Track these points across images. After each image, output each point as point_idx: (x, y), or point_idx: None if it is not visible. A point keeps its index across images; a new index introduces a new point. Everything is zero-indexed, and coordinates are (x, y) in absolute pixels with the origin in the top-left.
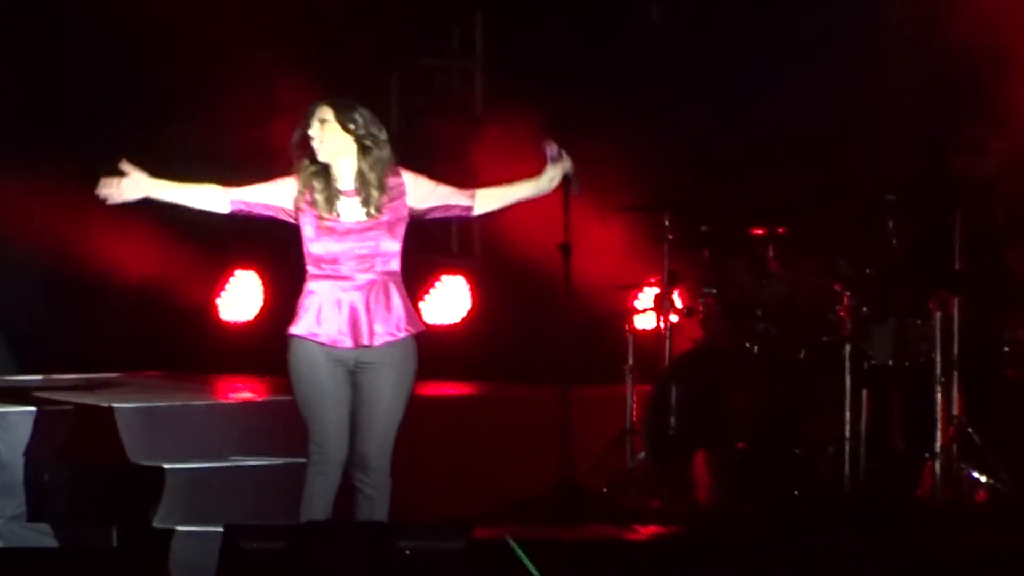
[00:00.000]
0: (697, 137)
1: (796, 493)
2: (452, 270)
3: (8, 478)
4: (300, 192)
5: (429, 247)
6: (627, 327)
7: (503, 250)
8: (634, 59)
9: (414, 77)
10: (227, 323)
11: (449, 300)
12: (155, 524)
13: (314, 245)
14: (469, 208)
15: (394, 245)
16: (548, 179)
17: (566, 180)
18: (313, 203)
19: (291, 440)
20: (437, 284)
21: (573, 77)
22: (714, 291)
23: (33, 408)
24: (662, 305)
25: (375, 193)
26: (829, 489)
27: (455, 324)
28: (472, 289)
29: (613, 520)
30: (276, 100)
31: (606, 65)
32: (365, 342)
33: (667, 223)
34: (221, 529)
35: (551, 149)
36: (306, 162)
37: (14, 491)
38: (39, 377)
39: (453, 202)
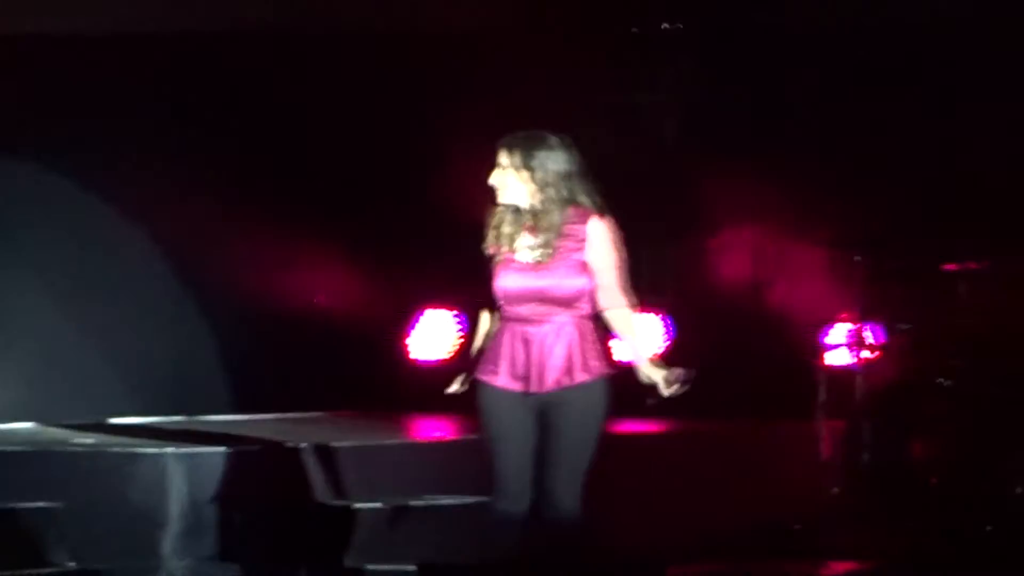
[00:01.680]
0: (892, 172)
1: (989, 529)
2: (646, 307)
3: (199, 519)
4: (487, 234)
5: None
6: (819, 363)
7: (697, 285)
8: (825, 92)
9: (617, 113)
10: (418, 362)
11: (643, 336)
12: (346, 564)
13: (494, 282)
14: (598, 308)
15: (573, 286)
16: (647, 368)
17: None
18: (497, 240)
19: (483, 479)
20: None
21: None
22: (907, 327)
23: (224, 448)
24: (855, 341)
25: (547, 235)
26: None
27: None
28: (667, 325)
29: (806, 556)
30: None
31: (797, 97)
32: (534, 389)
33: (860, 258)
34: (414, 568)
35: (676, 373)
36: (498, 205)
37: (205, 532)
38: (230, 417)
39: (598, 293)
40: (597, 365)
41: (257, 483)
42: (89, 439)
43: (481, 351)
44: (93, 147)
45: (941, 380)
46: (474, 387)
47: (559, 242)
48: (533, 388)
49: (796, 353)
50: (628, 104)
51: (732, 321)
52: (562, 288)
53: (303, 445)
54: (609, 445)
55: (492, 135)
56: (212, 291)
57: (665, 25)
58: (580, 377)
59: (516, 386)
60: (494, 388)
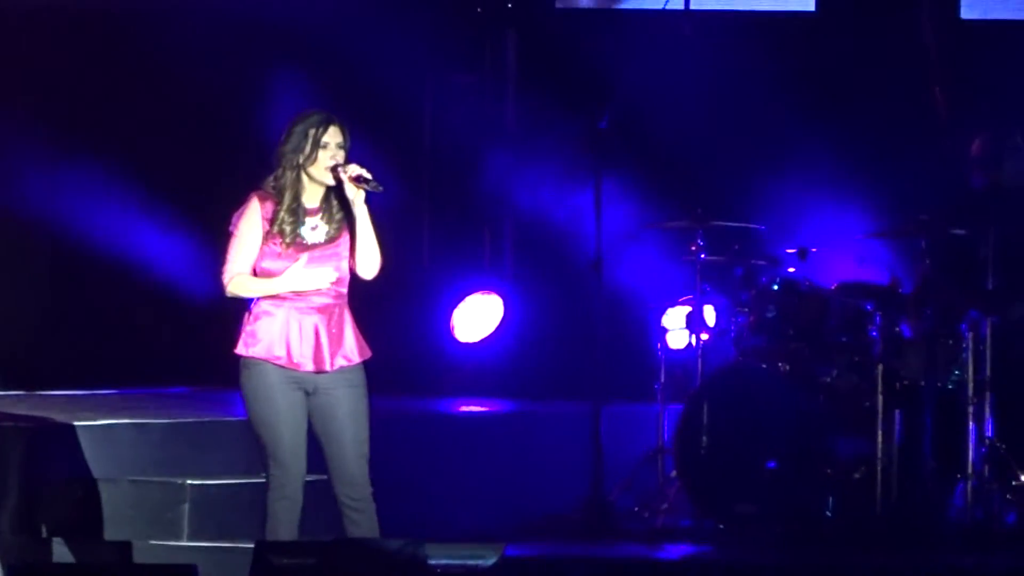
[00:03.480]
0: (729, 153)
1: (828, 514)
2: (485, 288)
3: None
4: (263, 210)
5: (460, 264)
6: (659, 345)
7: (535, 267)
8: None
9: (447, 93)
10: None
11: (480, 317)
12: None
13: (273, 264)
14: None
15: (346, 267)
16: (355, 205)
17: (366, 185)
18: (277, 220)
19: None
20: (469, 300)
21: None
22: (746, 310)
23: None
24: (694, 323)
25: (338, 215)
26: (860, 509)
27: (487, 340)
28: (504, 306)
29: (644, 539)
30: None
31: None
32: (327, 367)
33: (700, 241)
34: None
35: (338, 169)
36: (289, 175)
37: (43, 508)
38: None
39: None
40: (361, 352)
41: (94, 459)
42: None
43: None
44: None
45: (780, 364)
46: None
47: (343, 220)
48: (310, 369)
49: (636, 335)
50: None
51: (572, 301)
52: (340, 269)
53: (143, 422)
54: (449, 422)
55: None
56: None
57: None
58: (351, 360)
59: (296, 367)
60: (269, 368)
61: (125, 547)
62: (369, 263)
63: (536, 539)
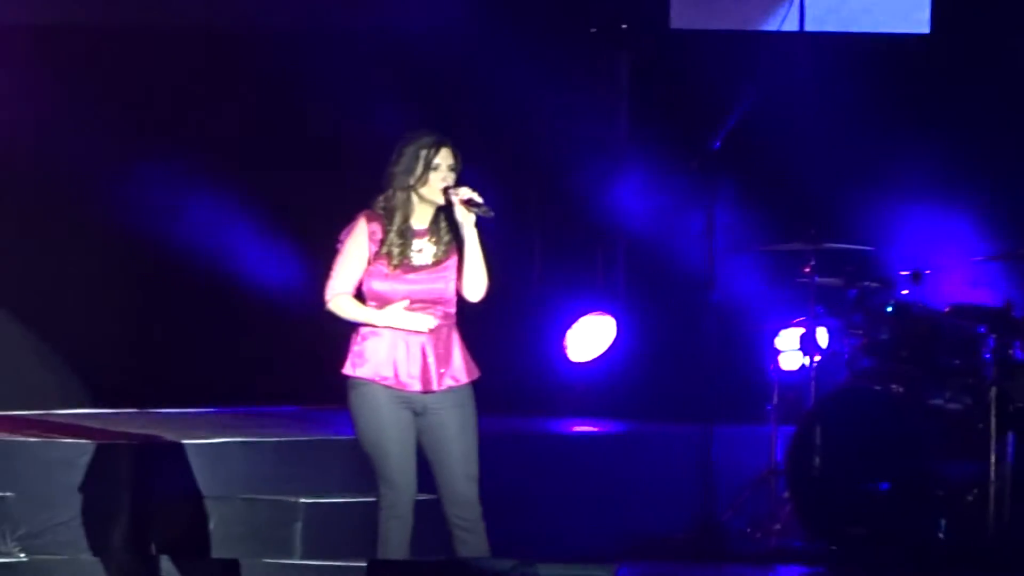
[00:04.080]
0: (842, 174)
1: (940, 536)
2: (598, 308)
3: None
4: (371, 230)
5: (572, 283)
6: (771, 366)
7: (647, 287)
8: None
9: (560, 113)
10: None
11: (593, 337)
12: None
13: (381, 285)
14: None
15: (453, 288)
16: (465, 228)
17: (476, 209)
18: (387, 241)
19: None
20: (582, 321)
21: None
22: (859, 332)
23: (177, 440)
24: (807, 345)
25: (446, 236)
26: (973, 532)
27: (600, 361)
28: (617, 326)
29: (755, 561)
30: None
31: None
32: (434, 387)
33: (813, 262)
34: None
35: (449, 192)
36: (400, 196)
37: (157, 525)
38: (183, 410)
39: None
40: (469, 372)
41: (205, 477)
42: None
43: None
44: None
45: (893, 385)
46: (347, 387)
47: (451, 242)
48: (417, 389)
49: (748, 356)
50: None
51: (684, 322)
52: (448, 291)
53: (255, 440)
54: (561, 443)
55: None
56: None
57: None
58: (458, 380)
59: (402, 387)
60: (377, 388)
61: (233, 565)
62: (476, 286)
63: (648, 560)
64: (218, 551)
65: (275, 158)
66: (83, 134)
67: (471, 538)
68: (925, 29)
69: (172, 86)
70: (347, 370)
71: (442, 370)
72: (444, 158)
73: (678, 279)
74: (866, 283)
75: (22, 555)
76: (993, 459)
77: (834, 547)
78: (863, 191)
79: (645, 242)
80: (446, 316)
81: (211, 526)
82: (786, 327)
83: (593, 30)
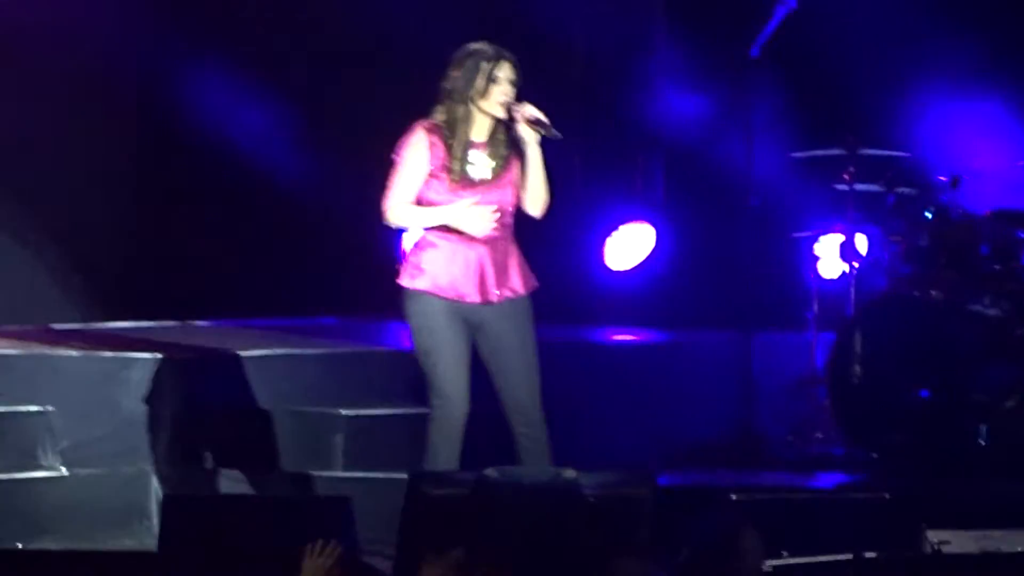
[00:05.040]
0: (880, 78)
1: (981, 442)
2: (637, 217)
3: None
4: (430, 142)
5: (611, 192)
6: (811, 274)
7: (686, 195)
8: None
9: (597, 17)
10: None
11: (632, 245)
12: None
13: (439, 198)
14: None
15: (511, 200)
16: (528, 146)
17: (542, 129)
18: (450, 155)
19: None
20: (621, 229)
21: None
22: (898, 238)
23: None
24: (846, 252)
25: (504, 151)
26: (1014, 436)
27: (639, 269)
28: (656, 235)
29: (796, 468)
30: None
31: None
32: (493, 299)
33: (851, 168)
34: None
35: (512, 108)
36: (460, 109)
37: (197, 437)
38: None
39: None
40: (528, 283)
41: (246, 389)
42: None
43: None
44: None
45: (933, 292)
46: (404, 296)
47: (510, 155)
48: (476, 300)
49: (787, 264)
50: None
51: (722, 230)
52: (507, 202)
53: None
54: (599, 353)
55: None
56: None
57: None
58: (517, 292)
59: (460, 298)
60: (434, 300)
61: (285, 477)
62: (539, 201)
63: (688, 468)
64: (263, 463)
65: (315, 63)
66: (125, 36)
67: (534, 446)
68: None
69: None
70: (404, 281)
71: (501, 281)
72: (505, 72)
73: (717, 187)
74: (905, 189)
75: (63, 469)
76: None
77: (874, 454)
78: (902, 96)
79: (684, 150)
80: (504, 227)
81: (255, 438)
82: (825, 234)
83: None
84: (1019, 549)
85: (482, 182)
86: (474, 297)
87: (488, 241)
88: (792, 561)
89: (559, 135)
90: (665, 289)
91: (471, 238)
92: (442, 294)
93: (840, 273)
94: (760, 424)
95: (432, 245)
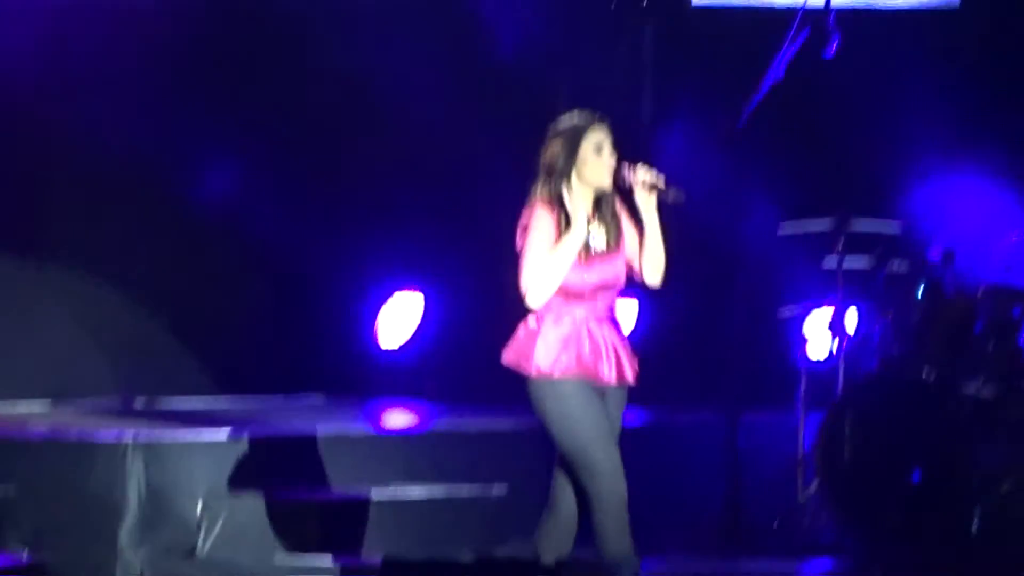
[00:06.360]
0: (871, 152)
1: (974, 529)
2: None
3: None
4: (553, 219)
5: None
6: (799, 353)
7: (671, 269)
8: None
9: (584, 87)
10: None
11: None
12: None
13: (571, 275)
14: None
15: (626, 271)
16: (646, 211)
17: (662, 193)
18: (568, 230)
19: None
20: None
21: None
22: (890, 314)
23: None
24: (836, 328)
25: (612, 220)
26: (1007, 522)
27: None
28: (640, 311)
29: (783, 554)
30: None
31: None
32: (629, 378)
33: (841, 244)
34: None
35: (626, 174)
36: (567, 183)
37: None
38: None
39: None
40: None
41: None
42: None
43: None
44: None
45: (924, 372)
46: (535, 385)
47: (620, 226)
48: (613, 381)
49: (773, 342)
50: None
51: (708, 307)
52: (621, 277)
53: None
54: None
55: None
56: None
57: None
58: (635, 370)
59: (601, 380)
60: (579, 384)
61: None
62: (658, 269)
63: (673, 553)
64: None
65: (319, 144)
66: (159, 120)
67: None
68: (955, 2)
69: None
70: (542, 367)
71: (630, 363)
72: (604, 137)
73: (703, 261)
74: (896, 264)
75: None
76: None
77: (864, 539)
78: (892, 169)
79: (669, 223)
80: (615, 305)
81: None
82: (813, 309)
83: (612, 6)
84: None
85: (600, 253)
86: (610, 377)
87: (608, 318)
88: None
89: (682, 196)
90: (649, 367)
91: (595, 316)
92: (585, 375)
93: (829, 352)
94: (746, 508)
95: (554, 324)
